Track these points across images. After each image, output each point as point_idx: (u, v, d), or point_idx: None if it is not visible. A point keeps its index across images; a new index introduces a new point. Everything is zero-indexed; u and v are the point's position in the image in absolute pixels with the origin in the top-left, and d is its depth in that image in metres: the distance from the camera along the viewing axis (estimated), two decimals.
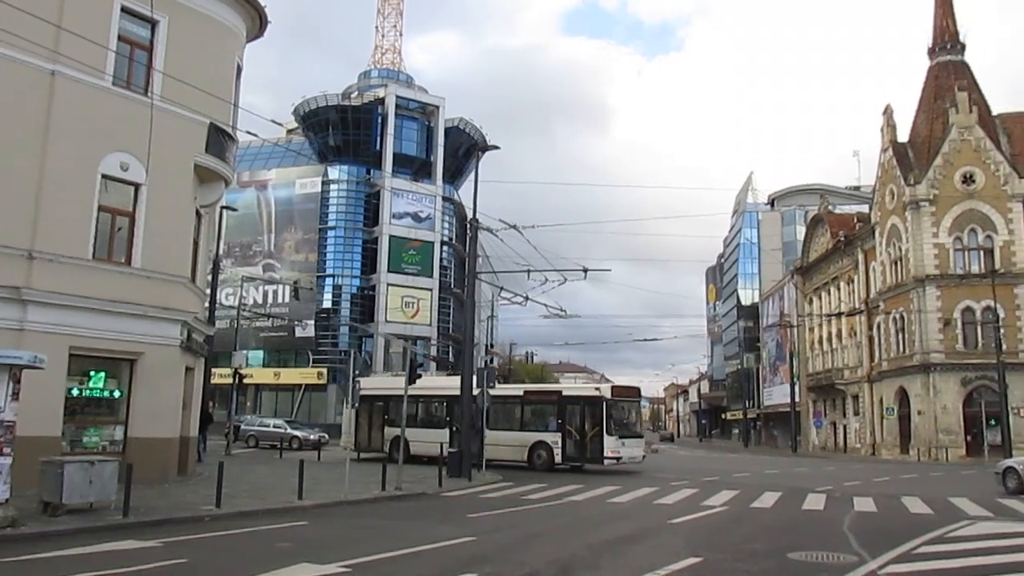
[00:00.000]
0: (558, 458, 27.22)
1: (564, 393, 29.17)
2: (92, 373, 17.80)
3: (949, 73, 49.10)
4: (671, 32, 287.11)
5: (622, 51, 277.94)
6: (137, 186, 18.28)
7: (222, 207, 30.31)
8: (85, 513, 12.87)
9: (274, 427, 41.88)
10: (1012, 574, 9.42)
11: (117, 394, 18.19)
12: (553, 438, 27.45)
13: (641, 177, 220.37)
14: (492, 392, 28.11)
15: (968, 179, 45.64)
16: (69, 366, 16.86)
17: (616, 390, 28.20)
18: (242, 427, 41.82)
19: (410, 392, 29.69)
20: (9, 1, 13.63)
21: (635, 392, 30.55)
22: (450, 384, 29.01)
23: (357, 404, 31.32)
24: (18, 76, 16.25)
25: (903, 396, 47.30)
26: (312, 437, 39.78)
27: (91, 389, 17.83)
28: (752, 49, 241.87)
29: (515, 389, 31.53)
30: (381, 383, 30.83)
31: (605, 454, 26.21)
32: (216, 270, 34.21)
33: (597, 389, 28.11)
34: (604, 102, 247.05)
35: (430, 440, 27.39)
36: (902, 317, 47.61)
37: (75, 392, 17.38)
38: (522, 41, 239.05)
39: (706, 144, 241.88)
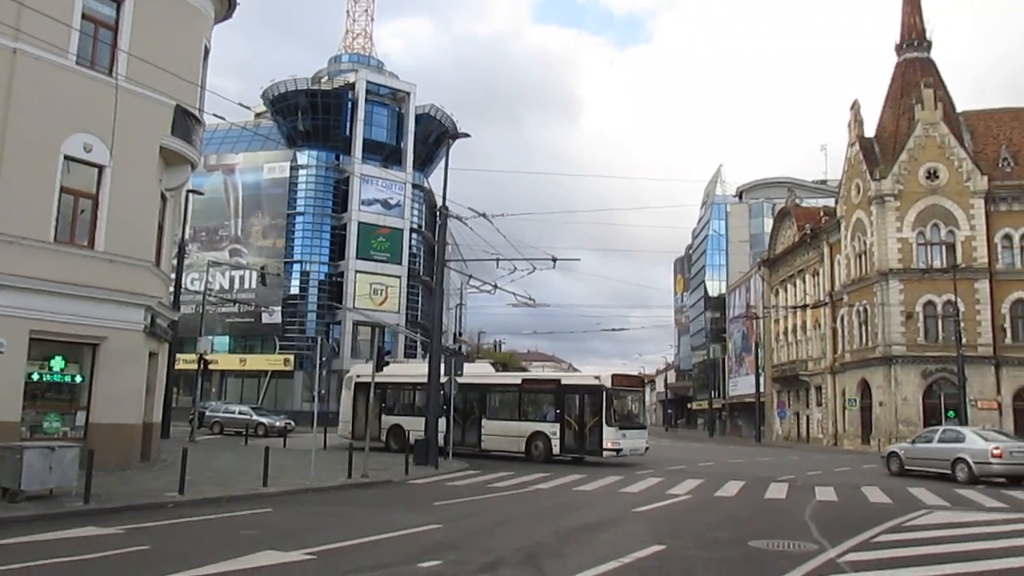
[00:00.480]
0: (556, 449, 25.87)
1: (563, 382, 27.63)
2: (53, 358, 17.52)
3: (916, 70, 49.73)
4: (640, 23, 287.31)
5: (594, 41, 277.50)
6: (101, 168, 17.97)
7: (188, 191, 29.91)
8: (45, 500, 12.71)
9: (239, 413, 41.53)
10: (967, 562, 9.63)
11: (79, 379, 17.93)
12: (551, 428, 26.08)
13: (610, 168, 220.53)
14: (490, 381, 28.36)
15: (932, 175, 46.31)
16: (29, 350, 16.57)
17: (617, 379, 26.32)
18: (207, 413, 41.43)
19: (407, 379, 29.30)
20: None
21: (637, 381, 29.50)
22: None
23: (352, 389, 30.28)
24: None
25: (865, 388, 48.03)
26: (278, 424, 39.52)
27: (52, 374, 17.56)
28: (721, 42, 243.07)
29: (513, 377, 29.90)
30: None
31: (605, 446, 24.76)
32: (181, 254, 33.79)
33: (597, 378, 26.06)
34: (574, 92, 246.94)
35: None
36: (865, 310, 48.30)
37: (35, 377, 17.10)
38: (493, 28, 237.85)
39: (675, 136, 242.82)
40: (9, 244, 16.17)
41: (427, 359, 29.44)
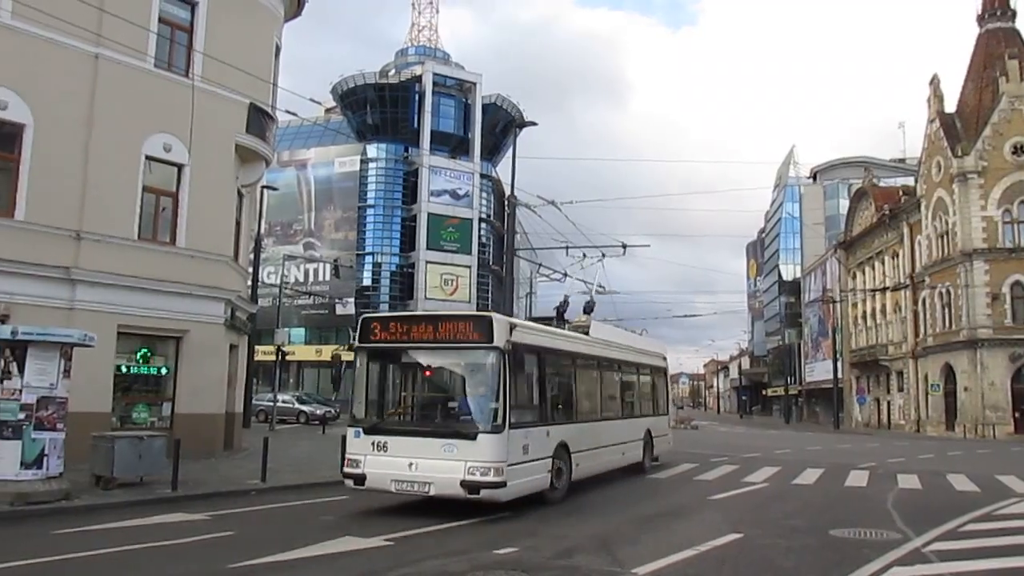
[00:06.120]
0: None
1: None
2: (140, 350, 18.20)
3: (999, 41, 47.73)
4: (689, 3, 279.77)
5: (644, 22, 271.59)
6: (180, 167, 18.56)
7: (263, 186, 30.59)
8: (135, 487, 13.22)
9: (283, 402, 42.02)
10: None
11: (164, 371, 18.58)
12: None
13: (665, 151, 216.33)
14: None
15: (1018, 150, 44.42)
16: (117, 344, 17.25)
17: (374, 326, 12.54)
18: (253, 401, 41.85)
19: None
20: None
21: (448, 327, 12.09)
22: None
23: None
24: (63, 60, 16.53)
25: (949, 372, 46.53)
26: (319, 412, 40.24)
27: (139, 366, 18.24)
28: (787, 20, 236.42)
29: None
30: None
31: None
32: (258, 249, 34.61)
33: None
34: (623, 75, 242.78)
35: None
36: (948, 292, 46.71)
37: (124, 369, 17.79)
38: (538, 13, 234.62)
39: (736, 118, 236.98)
40: (97, 242, 16.84)
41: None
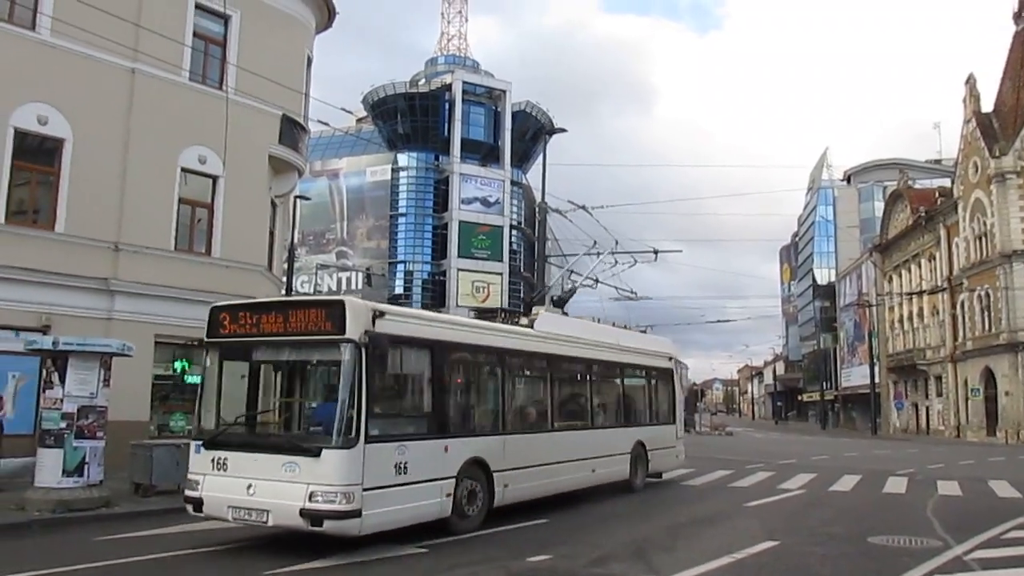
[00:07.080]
0: None
1: None
2: (176, 360, 18.43)
3: None
4: (719, 4, 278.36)
5: (673, 28, 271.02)
6: (215, 178, 18.82)
7: (296, 196, 30.88)
8: (173, 494, 13.32)
9: None
10: None
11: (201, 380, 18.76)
12: None
13: (692, 156, 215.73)
14: None
15: None
16: (155, 353, 17.48)
17: (224, 319, 10.35)
18: None
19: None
20: (90, 2, 14.13)
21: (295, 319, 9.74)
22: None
23: None
24: (101, 75, 16.83)
25: (989, 376, 45.70)
26: None
27: (176, 375, 18.47)
28: (814, 22, 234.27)
29: None
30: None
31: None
32: (291, 258, 34.93)
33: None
34: (649, 80, 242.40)
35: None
36: (987, 294, 45.91)
37: (161, 378, 18.02)
38: (564, 19, 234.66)
39: (764, 122, 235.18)
40: (135, 254, 17.12)
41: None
